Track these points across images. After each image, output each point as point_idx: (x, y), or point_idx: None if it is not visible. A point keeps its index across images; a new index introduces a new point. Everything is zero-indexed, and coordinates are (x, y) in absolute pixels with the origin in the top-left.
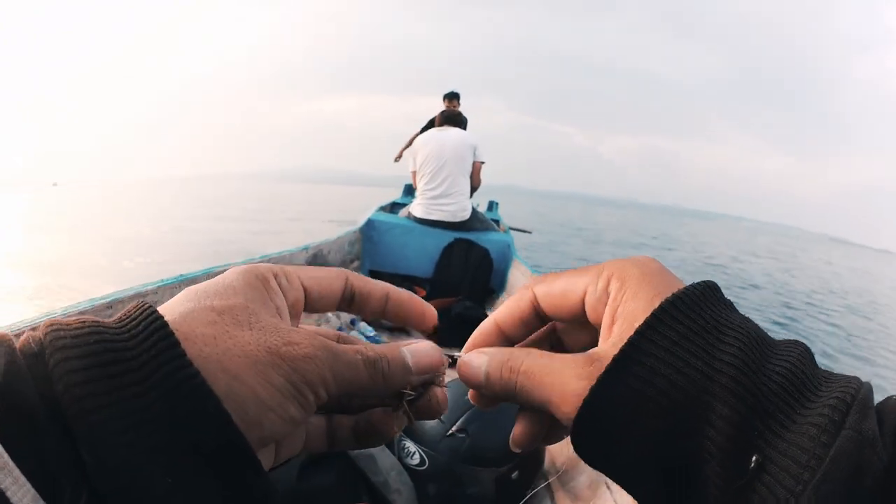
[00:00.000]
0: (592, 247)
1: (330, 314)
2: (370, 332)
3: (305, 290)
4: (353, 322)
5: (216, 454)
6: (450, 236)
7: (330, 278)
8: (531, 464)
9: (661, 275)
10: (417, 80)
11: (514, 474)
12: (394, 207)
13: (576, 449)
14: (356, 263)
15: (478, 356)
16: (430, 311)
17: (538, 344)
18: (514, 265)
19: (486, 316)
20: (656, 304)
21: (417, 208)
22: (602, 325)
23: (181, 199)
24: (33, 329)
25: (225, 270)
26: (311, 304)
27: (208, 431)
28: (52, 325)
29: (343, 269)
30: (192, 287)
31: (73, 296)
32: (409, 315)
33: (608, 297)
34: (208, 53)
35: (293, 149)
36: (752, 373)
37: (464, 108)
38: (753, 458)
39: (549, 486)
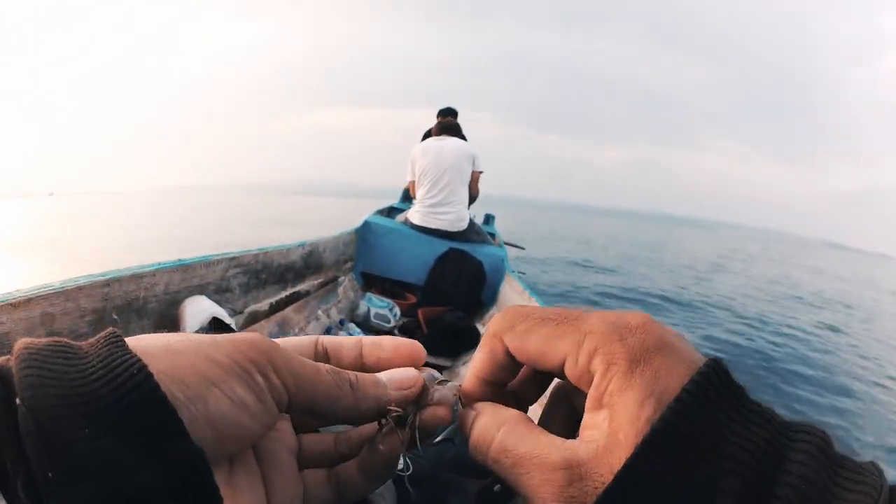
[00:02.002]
0: (587, 250)
1: (319, 312)
2: (358, 333)
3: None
4: (342, 322)
5: (137, 413)
6: (445, 245)
7: (301, 340)
8: None
9: (655, 357)
10: (413, 92)
11: (497, 487)
12: (391, 212)
13: None
14: (349, 264)
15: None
16: (413, 345)
17: (528, 385)
18: (507, 280)
19: (475, 328)
20: (646, 413)
21: (416, 215)
22: (585, 407)
23: (176, 211)
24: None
25: (223, 258)
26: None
27: (131, 391)
28: (23, 345)
29: (317, 336)
30: None
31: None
32: (389, 353)
33: (591, 378)
34: (205, 66)
35: (289, 160)
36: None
37: (460, 119)
38: None
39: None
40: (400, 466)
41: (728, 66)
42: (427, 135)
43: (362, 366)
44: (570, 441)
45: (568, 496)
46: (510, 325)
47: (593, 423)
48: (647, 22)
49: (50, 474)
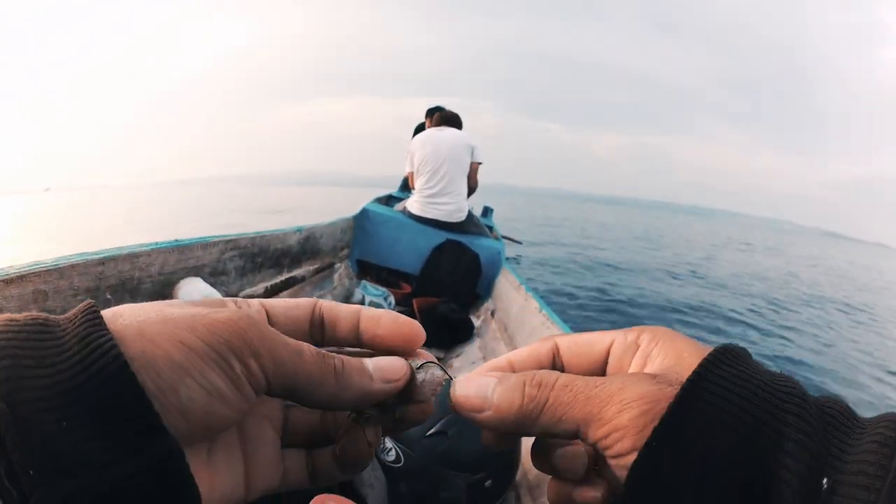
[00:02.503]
0: (583, 241)
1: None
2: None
3: (268, 314)
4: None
5: (114, 405)
6: (442, 236)
7: (297, 302)
8: (505, 474)
9: (689, 340)
10: (409, 82)
11: (488, 483)
12: (390, 200)
13: (637, 475)
14: (346, 251)
15: (481, 377)
16: (414, 329)
17: None
18: (503, 273)
19: (469, 320)
20: (687, 359)
21: (414, 205)
22: (632, 365)
23: (172, 203)
24: None
25: (220, 240)
26: (277, 327)
27: (106, 381)
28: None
29: (314, 299)
30: None
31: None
32: (386, 331)
33: (637, 348)
34: (201, 57)
35: (284, 151)
36: (811, 403)
37: (455, 108)
38: (825, 481)
39: (519, 500)
40: (392, 459)
41: (728, 53)
42: (419, 129)
43: (357, 338)
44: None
45: (656, 391)
46: (567, 335)
47: (645, 363)
48: (648, 8)
49: (31, 471)
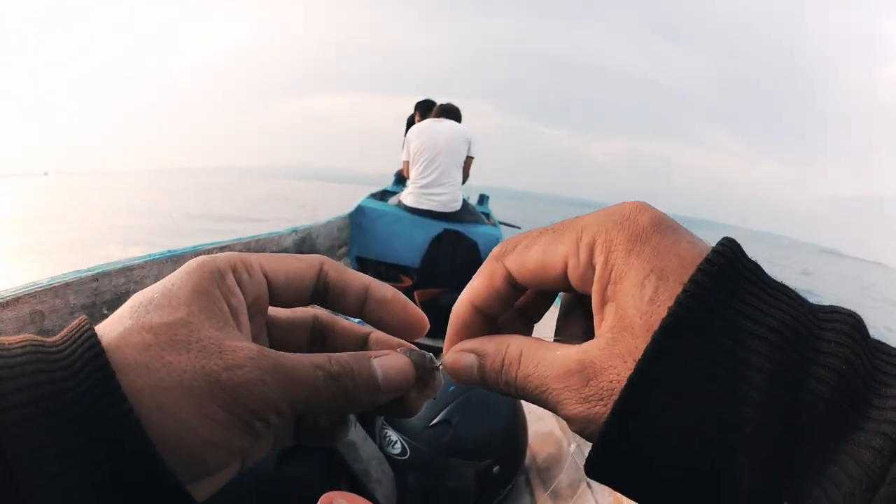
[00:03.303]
0: None
1: None
2: (355, 318)
3: (270, 283)
4: None
5: (148, 497)
6: (439, 227)
7: (300, 268)
8: (513, 459)
9: (653, 236)
10: (409, 81)
11: (496, 469)
12: (384, 195)
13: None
14: (343, 249)
15: (464, 356)
16: (417, 314)
17: (524, 315)
18: None
19: None
20: (647, 292)
21: (408, 197)
22: (593, 307)
23: (170, 191)
24: None
25: (213, 247)
26: (277, 297)
27: (139, 473)
28: None
29: (320, 256)
30: (139, 294)
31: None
32: (392, 316)
33: (594, 273)
34: (200, 47)
35: (282, 145)
36: (781, 412)
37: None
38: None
39: (529, 484)
40: (397, 451)
41: (730, 62)
42: (410, 122)
43: (361, 313)
44: (583, 344)
45: (587, 396)
46: (512, 245)
47: (601, 320)
48: (651, 14)
49: None
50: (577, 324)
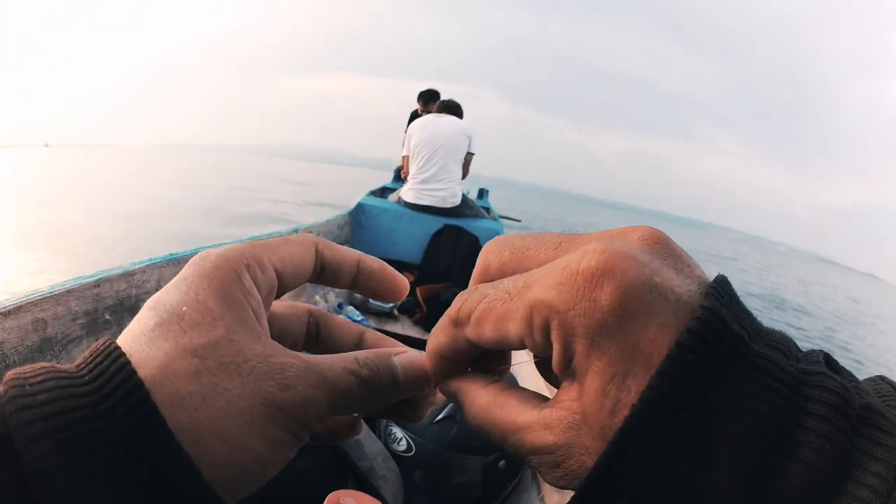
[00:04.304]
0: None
1: (317, 297)
2: (357, 315)
3: (279, 274)
4: (340, 305)
5: None
6: (439, 222)
7: (300, 253)
8: None
9: (616, 324)
10: (420, 65)
11: (502, 463)
12: (384, 192)
13: None
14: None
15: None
16: (401, 281)
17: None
18: None
19: None
20: (609, 402)
21: (408, 193)
22: (554, 368)
23: (171, 167)
24: None
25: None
26: (284, 286)
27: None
28: (14, 386)
29: (310, 235)
30: (161, 304)
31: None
32: (381, 286)
33: (552, 348)
34: (208, 24)
35: (285, 124)
36: None
37: (460, 96)
38: None
39: (535, 477)
40: (403, 448)
41: (737, 67)
42: (414, 115)
43: (353, 284)
44: (543, 412)
45: (557, 478)
46: (466, 314)
47: (566, 390)
48: (662, 16)
49: None
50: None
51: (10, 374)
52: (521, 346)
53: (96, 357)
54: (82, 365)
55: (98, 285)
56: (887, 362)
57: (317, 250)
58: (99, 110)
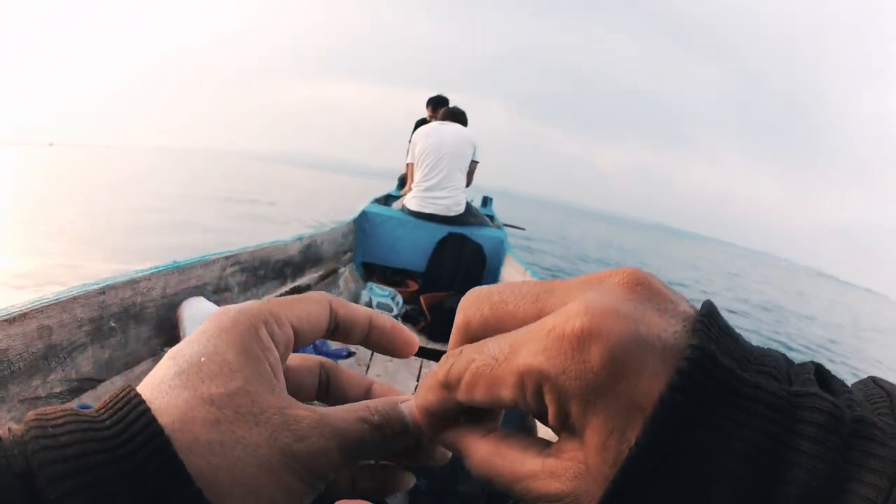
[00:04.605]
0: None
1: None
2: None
3: (295, 331)
4: None
5: None
6: (443, 230)
7: (316, 312)
8: None
9: (609, 382)
10: (421, 74)
11: None
12: (388, 199)
13: None
14: (348, 255)
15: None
16: (411, 339)
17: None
18: (508, 261)
19: None
20: (610, 454)
21: (412, 201)
22: (550, 421)
23: (175, 171)
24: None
25: (219, 257)
26: (300, 341)
27: None
28: (36, 426)
29: (324, 294)
30: (181, 355)
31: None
32: (391, 343)
33: (546, 409)
34: (211, 24)
35: (292, 131)
36: None
37: (464, 106)
38: None
39: None
40: None
41: (741, 82)
42: (420, 123)
43: (365, 341)
44: (548, 461)
45: None
46: (456, 377)
47: (568, 445)
48: (667, 30)
49: None
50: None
51: (31, 414)
52: (515, 408)
53: (116, 403)
54: (102, 410)
55: (103, 293)
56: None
57: (331, 308)
58: (102, 111)
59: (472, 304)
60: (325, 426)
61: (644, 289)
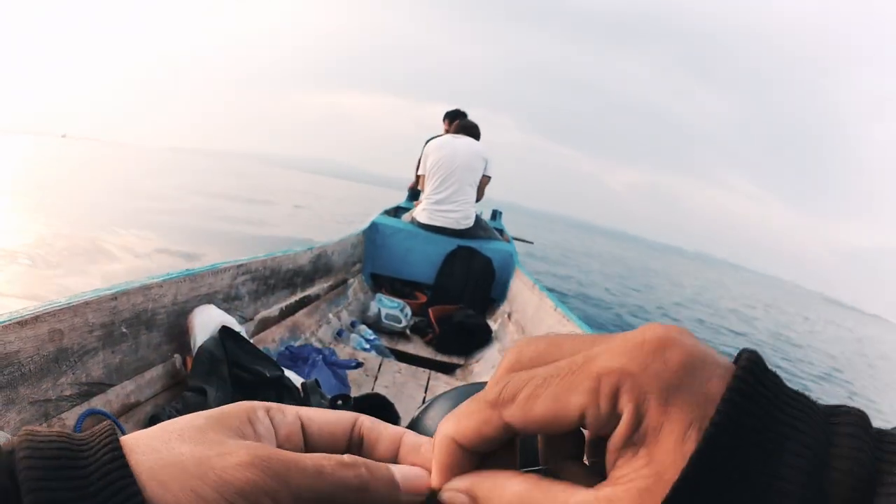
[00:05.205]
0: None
1: (330, 315)
2: (370, 335)
3: (304, 426)
4: (353, 324)
5: None
6: (453, 243)
7: (334, 419)
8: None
9: (687, 379)
10: (436, 87)
11: None
12: (398, 211)
13: None
14: (358, 266)
15: (457, 497)
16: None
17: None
18: (517, 275)
19: (486, 325)
20: (689, 445)
21: (422, 214)
22: (610, 446)
23: (190, 171)
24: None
25: (230, 266)
26: (311, 440)
27: None
28: (27, 445)
29: (355, 413)
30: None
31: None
32: (426, 462)
33: (617, 420)
34: (228, 32)
35: (304, 137)
36: None
37: (477, 118)
38: None
39: None
40: None
41: (752, 106)
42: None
43: (394, 459)
44: (605, 491)
45: None
46: (511, 393)
47: (627, 464)
48: (681, 53)
49: None
50: (566, 449)
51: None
52: (574, 424)
53: (100, 446)
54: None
55: (115, 298)
56: (892, 404)
57: (355, 422)
58: (119, 108)
59: (528, 342)
60: (260, 448)
61: (691, 334)
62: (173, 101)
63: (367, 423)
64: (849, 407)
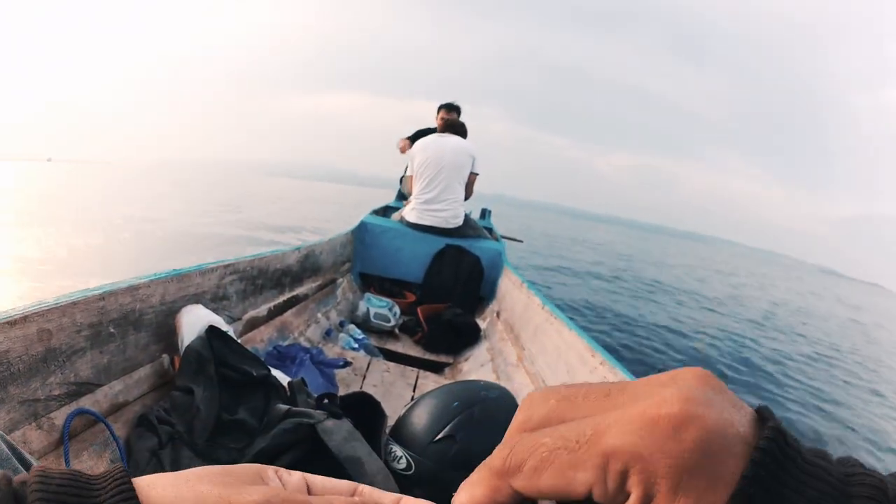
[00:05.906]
0: (575, 256)
1: (319, 315)
2: (359, 334)
3: (308, 485)
4: (342, 324)
5: None
6: (441, 242)
7: (338, 484)
8: None
9: (702, 462)
10: (419, 83)
11: None
12: (387, 211)
13: None
14: (347, 266)
15: None
16: None
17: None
18: (505, 273)
19: (475, 323)
20: None
21: (411, 213)
22: None
23: (174, 184)
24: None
25: (218, 266)
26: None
27: None
28: (39, 487)
29: (356, 483)
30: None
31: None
32: None
33: (625, 497)
34: (208, 39)
35: (288, 141)
36: None
37: (463, 114)
38: None
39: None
40: (402, 467)
41: (742, 83)
42: (420, 133)
43: None
44: None
45: None
46: (517, 462)
47: None
48: (666, 33)
49: None
50: None
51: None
52: (582, 496)
53: (112, 484)
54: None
55: (103, 298)
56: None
57: (356, 488)
58: (101, 127)
59: (539, 399)
60: (278, 492)
61: (717, 385)
62: (152, 113)
63: (368, 489)
64: (865, 472)
